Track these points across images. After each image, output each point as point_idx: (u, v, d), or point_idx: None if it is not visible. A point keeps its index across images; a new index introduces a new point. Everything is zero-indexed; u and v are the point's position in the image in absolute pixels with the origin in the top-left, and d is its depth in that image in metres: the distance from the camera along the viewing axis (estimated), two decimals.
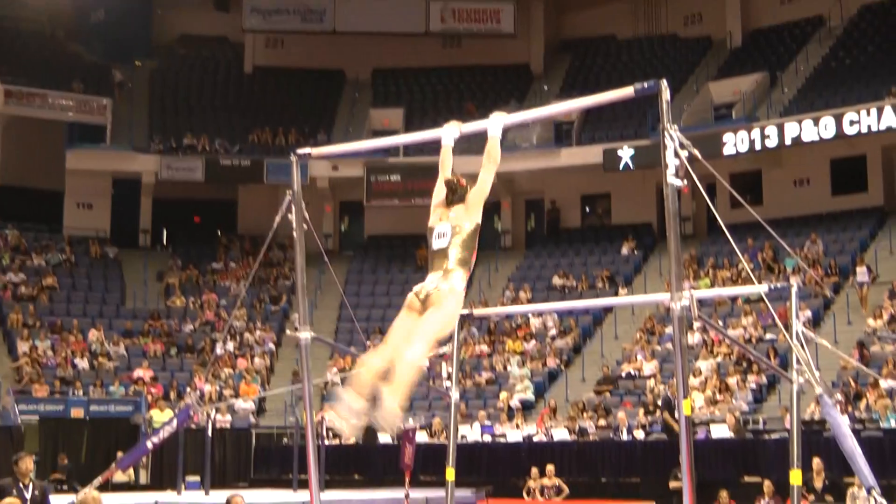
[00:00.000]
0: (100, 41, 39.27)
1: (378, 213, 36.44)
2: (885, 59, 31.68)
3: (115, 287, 33.71)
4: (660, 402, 22.31)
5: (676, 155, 7.07)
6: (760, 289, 10.16)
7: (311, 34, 39.18)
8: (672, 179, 7.05)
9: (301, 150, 9.52)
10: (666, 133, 7.09)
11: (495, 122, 7.40)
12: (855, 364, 20.16)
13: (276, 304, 33.08)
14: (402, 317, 6.88)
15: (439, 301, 6.76)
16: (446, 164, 7.53)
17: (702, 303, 24.46)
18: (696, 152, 7.22)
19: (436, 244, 7.16)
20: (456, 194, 7.19)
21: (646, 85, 7.22)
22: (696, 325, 24.04)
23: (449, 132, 7.72)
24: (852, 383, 21.18)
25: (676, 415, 20.24)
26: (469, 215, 7.10)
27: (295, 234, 9.37)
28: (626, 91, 7.42)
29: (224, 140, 36.08)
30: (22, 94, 34.60)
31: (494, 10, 38.10)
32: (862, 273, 26.18)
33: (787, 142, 29.19)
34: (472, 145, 9.87)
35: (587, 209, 36.28)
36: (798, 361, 9.00)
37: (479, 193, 7.12)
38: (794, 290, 9.58)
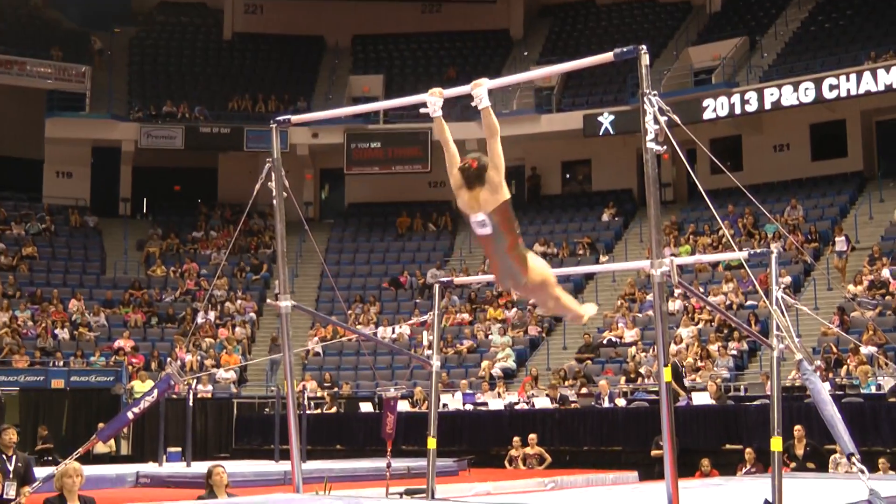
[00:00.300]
0: (78, 7, 38.89)
1: (358, 180, 36.36)
2: (864, 23, 31.70)
3: (95, 256, 33.57)
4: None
5: (656, 121, 7.06)
6: (740, 255, 10.17)
7: (290, 0, 38.96)
8: (651, 145, 7.04)
9: (280, 118, 9.48)
10: (645, 99, 7.07)
11: (481, 92, 7.29)
12: (835, 330, 20.23)
13: (256, 272, 33.02)
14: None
15: (540, 285, 7.32)
16: (446, 136, 7.42)
17: (682, 269, 24.61)
18: (676, 118, 7.21)
19: (479, 231, 7.24)
20: (474, 179, 7.12)
21: (625, 50, 7.20)
22: (677, 291, 24.10)
23: (433, 102, 7.63)
24: (833, 349, 21.24)
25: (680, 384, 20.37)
26: (496, 196, 7.06)
27: (275, 202, 9.36)
28: (606, 56, 7.41)
29: (204, 107, 35.87)
30: (0, 61, 34.33)
31: None
32: (841, 242, 26.12)
33: (767, 106, 29.21)
34: (461, 112, 9.83)
35: (567, 175, 36.28)
36: (778, 328, 9.01)
37: (496, 170, 7.03)
38: (774, 256, 9.60)
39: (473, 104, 7.31)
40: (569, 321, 7.05)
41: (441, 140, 7.42)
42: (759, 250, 10.83)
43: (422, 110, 7.76)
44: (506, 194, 7.10)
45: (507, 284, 7.57)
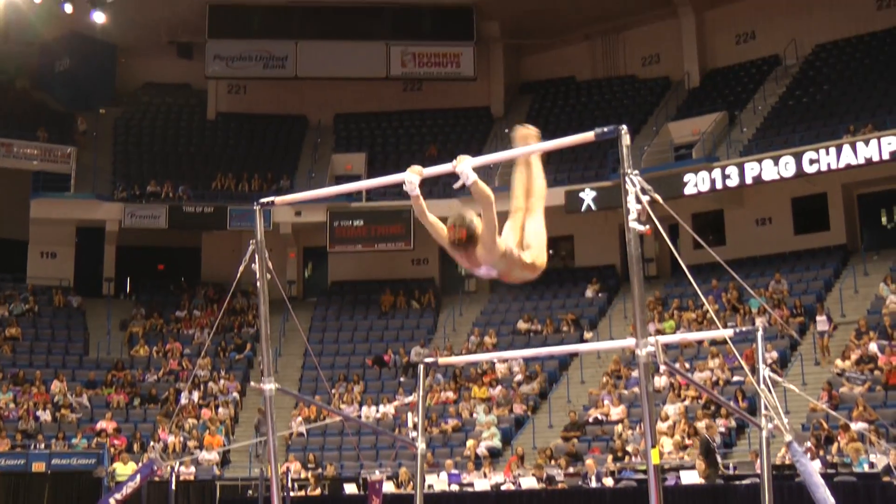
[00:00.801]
0: (65, 89, 39.15)
1: (341, 258, 36.34)
2: (841, 97, 32.02)
3: (78, 337, 33.40)
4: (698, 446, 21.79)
5: (638, 200, 7.06)
6: (725, 333, 10.15)
7: (273, 80, 39.22)
8: (634, 225, 7.03)
9: (264, 199, 9.45)
10: (627, 178, 7.08)
11: (465, 168, 7.35)
12: (823, 407, 20.12)
13: (240, 352, 32.85)
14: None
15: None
16: (426, 215, 7.50)
17: (667, 346, 24.53)
18: (658, 197, 7.21)
19: (487, 276, 7.54)
20: (468, 245, 7.23)
21: (606, 129, 7.22)
22: (663, 367, 24.02)
23: (411, 180, 7.66)
24: (823, 425, 21.04)
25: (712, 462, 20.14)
26: (492, 251, 7.33)
27: (258, 284, 9.28)
28: (587, 136, 7.42)
29: (187, 187, 35.95)
30: None
31: (454, 53, 38.23)
32: (822, 322, 25.92)
33: (748, 181, 29.33)
34: (443, 189, 9.84)
35: (551, 252, 36.10)
36: (766, 407, 8.96)
37: (489, 232, 7.28)
38: (759, 333, 9.57)
39: (458, 184, 7.36)
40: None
41: (422, 220, 7.47)
42: (744, 328, 10.79)
43: (404, 188, 7.78)
44: (502, 246, 7.33)
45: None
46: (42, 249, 35.53)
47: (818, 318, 26.07)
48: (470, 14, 37.94)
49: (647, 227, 7.13)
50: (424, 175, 7.71)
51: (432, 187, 30.95)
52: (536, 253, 7.60)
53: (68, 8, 28.21)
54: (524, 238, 7.69)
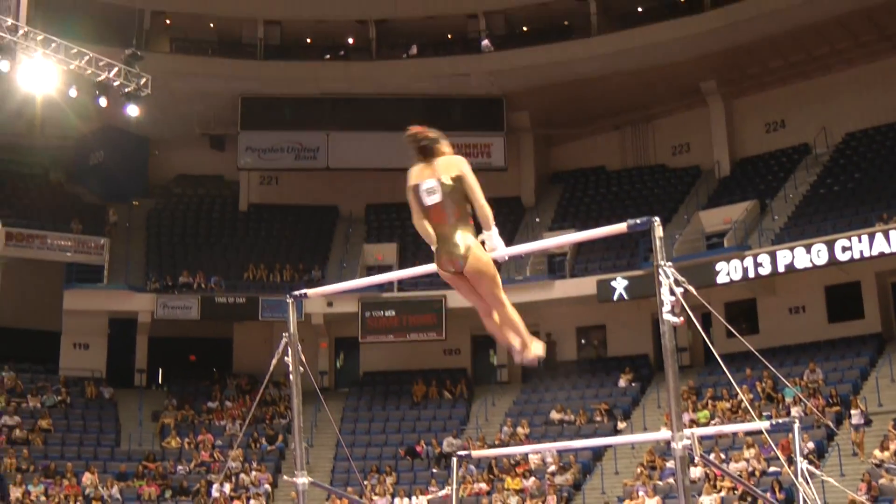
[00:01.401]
0: (99, 182, 39.63)
1: (373, 348, 36.31)
2: (872, 184, 31.98)
3: (110, 428, 33.40)
4: None
5: (672, 292, 7.04)
6: (761, 425, 10.06)
7: (304, 171, 39.54)
8: (668, 317, 7.02)
9: (296, 292, 9.48)
10: (660, 270, 7.07)
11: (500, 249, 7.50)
12: (863, 500, 19.80)
13: (272, 443, 32.73)
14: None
15: (479, 272, 7.25)
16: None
17: (703, 437, 24.21)
18: (692, 289, 7.20)
19: (427, 200, 7.49)
20: (427, 151, 7.60)
21: (639, 222, 7.23)
22: (698, 458, 23.76)
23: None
24: None
25: None
26: (453, 168, 7.42)
27: (291, 377, 9.28)
28: (619, 227, 7.44)
29: (220, 277, 36.14)
30: (22, 235, 34.77)
31: (485, 144, 38.47)
32: (857, 416, 25.53)
33: (781, 269, 29.23)
34: None
35: (583, 341, 36.20)
36: (805, 500, 8.84)
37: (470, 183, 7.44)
38: (796, 426, 9.46)
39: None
40: (516, 358, 6.78)
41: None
42: (780, 420, 10.69)
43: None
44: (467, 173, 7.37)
45: (447, 267, 7.34)
46: (75, 340, 35.67)
47: (852, 411, 25.65)
48: (500, 105, 38.25)
49: (682, 318, 7.12)
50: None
51: None
52: (477, 258, 7.44)
53: (103, 102, 28.57)
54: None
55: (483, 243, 7.43)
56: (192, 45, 39.57)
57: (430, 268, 7.96)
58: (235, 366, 37.24)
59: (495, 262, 7.45)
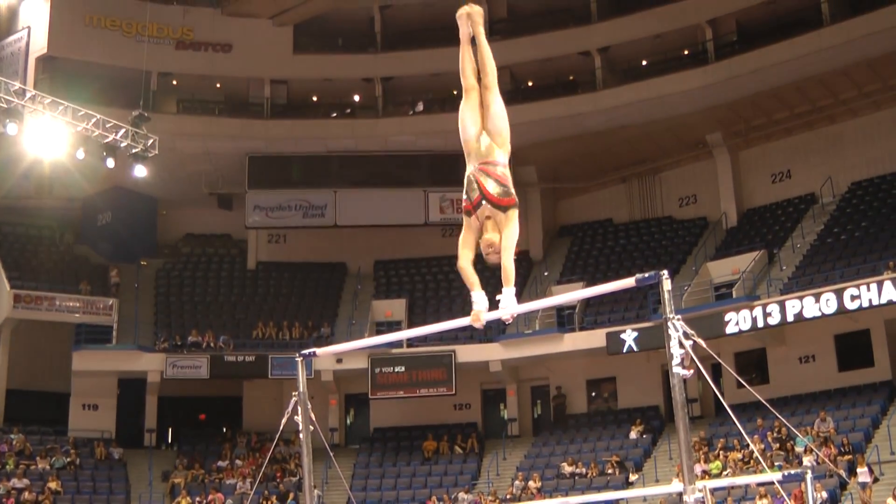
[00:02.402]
0: (107, 243, 39.70)
1: (383, 404, 36.25)
2: (879, 232, 32.03)
3: (119, 489, 33.27)
4: None
5: (681, 345, 7.09)
6: (774, 476, 10.01)
7: (312, 229, 39.65)
8: (678, 370, 7.06)
9: (305, 351, 9.54)
10: (669, 324, 7.12)
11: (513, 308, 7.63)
12: None
13: (283, 501, 32.57)
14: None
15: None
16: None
17: (715, 488, 24.11)
18: (701, 342, 7.25)
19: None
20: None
21: (647, 276, 7.30)
22: None
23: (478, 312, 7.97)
24: None
25: None
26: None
27: (301, 435, 9.32)
28: (628, 282, 7.52)
29: (229, 336, 36.17)
30: (31, 297, 34.87)
31: None
32: (863, 474, 25.09)
33: (790, 318, 29.20)
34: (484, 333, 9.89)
35: (593, 394, 36.11)
36: None
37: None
38: (808, 476, 9.46)
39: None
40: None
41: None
42: (792, 471, 10.66)
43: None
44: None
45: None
46: (84, 401, 35.64)
47: (859, 469, 25.21)
48: None
49: (691, 370, 7.16)
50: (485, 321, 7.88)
51: (474, 332, 31.06)
52: (505, 139, 7.71)
53: (110, 163, 28.78)
54: (489, 119, 7.80)
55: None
56: (199, 106, 39.91)
57: (440, 327, 8.07)
58: (245, 424, 37.18)
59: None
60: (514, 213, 7.71)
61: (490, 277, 8.09)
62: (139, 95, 33.03)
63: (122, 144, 28.45)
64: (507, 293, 7.68)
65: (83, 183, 35.25)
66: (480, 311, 7.83)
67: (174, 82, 38.95)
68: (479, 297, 7.81)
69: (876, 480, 25.23)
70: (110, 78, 35.75)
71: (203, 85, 39.38)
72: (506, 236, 7.65)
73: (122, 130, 28.33)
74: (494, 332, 33.94)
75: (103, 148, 28.31)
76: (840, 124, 35.11)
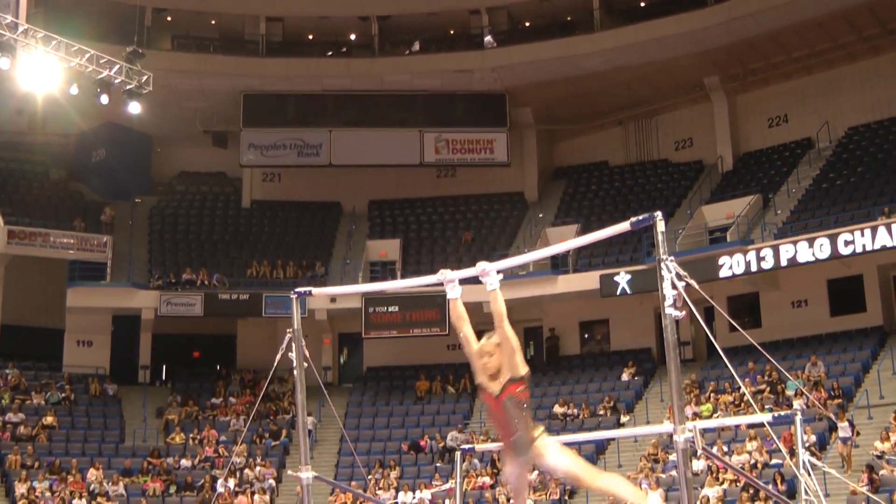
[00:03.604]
0: (101, 179, 39.59)
1: (377, 344, 36.37)
2: (874, 178, 32.02)
3: (114, 425, 33.46)
4: None
5: (674, 286, 7.09)
6: (763, 418, 10.09)
7: (307, 168, 39.56)
8: (670, 311, 7.07)
9: (300, 289, 9.52)
10: (662, 265, 7.12)
11: (489, 275, 7.48)
12: (864, 491, 19.86)
13: (276, 438, 32.79)
14: None
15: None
16: (460, 318, 7.54)
17: (705, 429, 24.24)
18: (694, 283, 7.25)
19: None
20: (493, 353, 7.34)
21: (641, 218, 7.28)
22: (701, 451, 23.80)
23: (449, 284, 7.74)
24: None
25: None
26: (512, 367, 7.23)
27: (295, 372, 9.34)
28: (623, 226, 7.49)
29: (223, 274, 36.19)
30: (24, 233, 34.77)
31: (488, 140, 38.51)
32: (844, 429, 24.81)
33: (783, 263, 29.26)
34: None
35: (586, 336, 36.24)
36: (807, 492, 8.89)
37: (509, 348, 7.27)
38: (798, 418, 9.52)
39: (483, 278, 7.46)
40: None
41: (455, 324, 7.51)
42: (782, 413, 10.73)
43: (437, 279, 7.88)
44: (522, 370, 7.16)
45: (516, 461, 7.46)
46: (78, 338, 35.71)
47: (840, 424, 24.93)
48: (503, 101, 38.26)
49: (684, 312, 7.16)
50: (451, 278, 7.75)
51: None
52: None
53: (104, 99, 28.59)
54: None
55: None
56: (194, 43, 39.64)
57: (432, 279, 8.04)
58: (239, 362, 37.30)
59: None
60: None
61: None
62: (133, 31, 32.78)
63: (117, 81, 28.25)
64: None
65: (77, 119, 35.08)
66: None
67: (168, 18, 38.67)
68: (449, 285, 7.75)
69: (858, 434, 25.22)
70: (104, 13, 35.46)
71: (198, 21, 39.09)
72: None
73: (116, 66, 28.11)
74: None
75: (97, 84, 28.11)
76: (838, 69, 34.96)
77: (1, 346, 34.79)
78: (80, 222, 36.50)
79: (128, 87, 28.43)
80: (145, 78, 28.75)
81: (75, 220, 36.60)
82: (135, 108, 29.09)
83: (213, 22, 39.42)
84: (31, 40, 26.24)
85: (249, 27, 39.00)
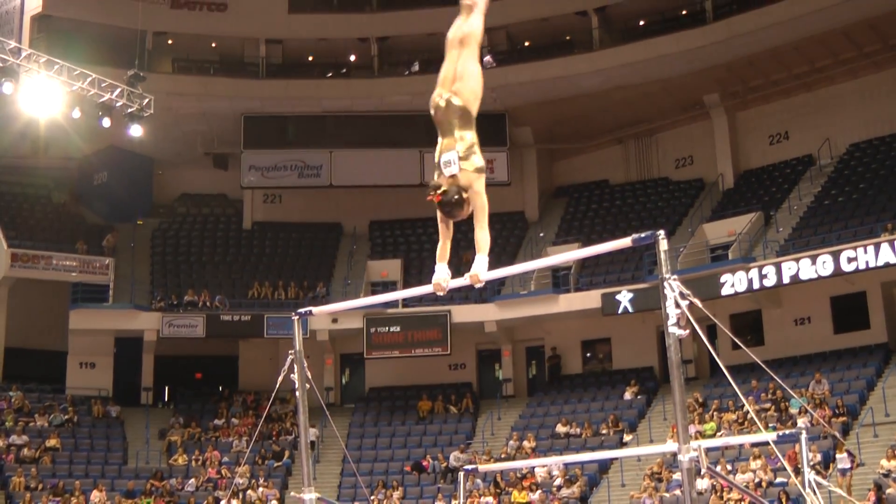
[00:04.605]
0: (103, 202, 39.72)
1: (379, 364, 36.33)
2: (876, 195, 31.98)
3: (117, 447, 33.44)
4: None
5: (677, 305, 7.08)
6: (768, 436, 10.06)
7: (308, 189, 39.59)
8: (674, 330, 7.05)
9: (302, 310, 9.53)
10: (665, 283, 7.11)
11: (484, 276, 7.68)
12: None
13: (278, 459, 32.73)
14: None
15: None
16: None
17: (709, 448, 24.21)
18: (697, 302, 7.24)
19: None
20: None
21: (643, 235, 7.28)
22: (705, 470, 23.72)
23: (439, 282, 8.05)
24: None
25: None
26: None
27: (297, 394, 9.34)
28: (624, 242, 7.49)
29: (224, 295, 36.21)
30: (27, 256, 34.85)
31: (488, 159, 38.22)
32: (843, 460, 24.49)
33: (786, 280, 29.21)
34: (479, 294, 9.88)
35: (588, 354, 36.18)
36: None
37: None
38: (803, 437, 9.47)
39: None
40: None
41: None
42: (787, 431, 10.70)
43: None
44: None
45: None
46: (81, 360, 35.71)
47: (838, 455, 24.71)
48: (503, 120, 38.27)
49: (687, 330, 7.15)
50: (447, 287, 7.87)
51: (469, 292, 31.16)
52: (462, 87, 7.73)
53: (106, 123, 28.69)
54: (456, 72, 7.80)
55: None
56: (195, 66, 39.72)
57: (428, 289, 8.10)
58: (241, 383, 37.27)
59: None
60: (477, 185, 7.80)
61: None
62: (134, 55, 32.90)
63: (118, 104, 28.34)
64: (479, 259, 7.72)
65: (79, 142, 35.16)
66: (439, 281, 7.90)
67: (169, 42, 38.76)
68: (439, 268, 7.89)
69: (859, 465, 25.01)
70: (106, 37, 35.55)
71: (198, 44, 39.18)
72: (476, 212, 7.73)
73: (118, 90, 28.21)
74: (490, 292, 33.97)
75: (99, 107, 28.20)
76: (839, 85, 34.94)
77: (4, 369, 34.88)
78: (82, 245, 36.56)
79: (129, 110, 28.53)
80: (146, 101, 28.84)
81: (78, 242, 36.66)
82: (136, 130, 29.18)
83: (213, 45, 39.51)
84: (33, 65, 26.35)
85: (249, 49, 39.11)
